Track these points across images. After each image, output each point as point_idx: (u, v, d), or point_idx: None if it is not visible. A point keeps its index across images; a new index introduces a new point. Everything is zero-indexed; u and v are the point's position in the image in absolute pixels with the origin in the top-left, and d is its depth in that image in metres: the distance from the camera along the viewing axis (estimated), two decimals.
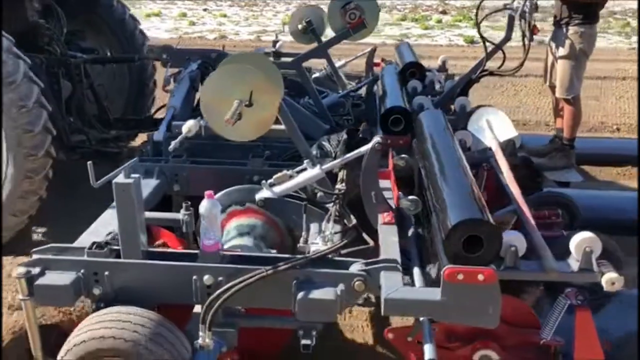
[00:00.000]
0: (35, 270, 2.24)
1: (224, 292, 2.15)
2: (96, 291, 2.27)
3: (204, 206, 2.17)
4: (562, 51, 3.75)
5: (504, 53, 4.01)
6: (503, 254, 2.01)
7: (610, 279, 1.98)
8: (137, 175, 2.20)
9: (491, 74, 4.20)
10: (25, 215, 3.48)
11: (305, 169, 2.62)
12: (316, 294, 2.14)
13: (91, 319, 2.18)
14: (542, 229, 2.61)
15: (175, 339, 2.17)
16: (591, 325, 2.20)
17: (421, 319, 2.24)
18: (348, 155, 2.59)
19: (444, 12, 17.03)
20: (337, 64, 5.15)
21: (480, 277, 1.93)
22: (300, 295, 2.13)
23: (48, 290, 2.21)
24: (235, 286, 2.14)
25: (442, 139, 2.75)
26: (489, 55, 3.99)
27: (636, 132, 6.09)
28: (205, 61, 3.92)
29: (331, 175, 2.79)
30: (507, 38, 3.95)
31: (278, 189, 2.64)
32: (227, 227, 2.90)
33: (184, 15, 16.60)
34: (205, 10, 17.84)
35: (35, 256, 2.30)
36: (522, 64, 3.99)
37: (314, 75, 4.71)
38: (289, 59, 4.17)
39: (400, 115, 3.23)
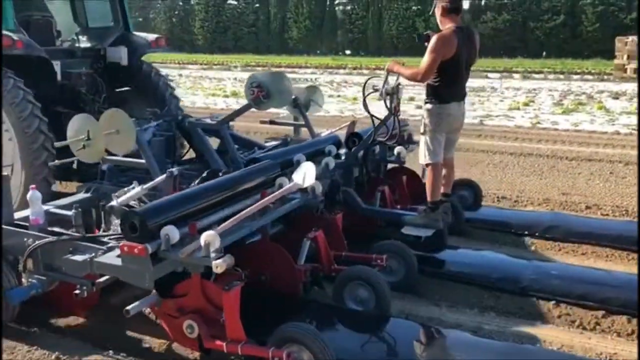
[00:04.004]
0: None
1: (31, 249, 3.45)
2: None
3: (28, 195, 3.54)
4: (421, 124, 4.47)
5: (387, 127, 4.82)
6: (162, 240, 3.00)
7: (216, 264, 2.86)
8: (6, 174, 3.65)
9: (379, 143, 4.99)
10: None
11: (134, 188, 3.88)
12: (76, 257, 3.32)
13: None
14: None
15: (3, 274, 3.51)
16: (235, 307, 3.02)
17: (152, 292, 3.28)
18: (152, 183, 3.77)
19: None
20: (324, 133, 6.31)
21: (136, 250, 2.95)
22: (67, 257, 3.34)
23: None
24: (36, 246, 3.43)
25: (230, 177, 3.80)
26: (376, 129, 4.83)
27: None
28: (167, 120, 5.34)
29: None
30: (389, 115, 4.74)
31: (119, 200, 3.91)
32: None
33: (412, 99, 16.27)
34: None
35: None
36: (395, 136, 4.73)
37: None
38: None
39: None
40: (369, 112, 4.78)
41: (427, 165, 4.46)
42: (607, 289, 4.14)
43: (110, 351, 3.44)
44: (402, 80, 4.57)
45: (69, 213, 3.87)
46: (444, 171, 4.58)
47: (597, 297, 4.04)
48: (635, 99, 16.65)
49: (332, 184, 4.52)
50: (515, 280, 4.29)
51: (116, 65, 6.23)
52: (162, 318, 3.39)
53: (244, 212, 3.34)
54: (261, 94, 4.75)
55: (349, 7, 42.04)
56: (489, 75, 25.42)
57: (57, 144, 3.81)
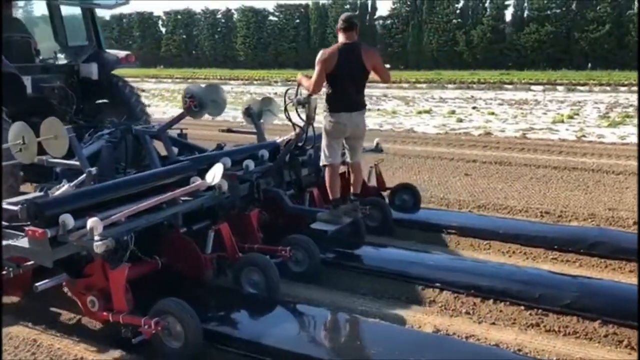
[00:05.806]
0: None
1: None
2: None
3: None
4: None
5: (306, 133, 5.34)
6: (60, 226, 3.57)
7: (96, 245, 3.41)
8: None
9: (300, 148, 5.50)
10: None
11: (63, 185, 4.49)
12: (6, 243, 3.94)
13: None
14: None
15: None
16: (120, 284, 3.58)
17: (63, 274, 3.87)
18: (76, 181, 4.37)
19: None
20: (279, 140, 6.86)
21: (37, 234, 3.53)
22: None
23: None
24: None
25: (139, 176, 4.40)
26: (297, 136, 5.35)
27: None
28: (119, 129, 5.96)
29: None
30: (307, 123, 5.26)
31: (53, 195, 4.52)
32: None
33: (453, 112, 17.09)
34: (474, 108, 18.33)
35: None
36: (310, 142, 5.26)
37: None
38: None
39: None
40: (290, 120, 5.31)
41: (323, 166, 4.97)
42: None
43: None
44: None
45: (16, 208, 4.51)
46: (351, 173, 5.07)
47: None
48: None
49: (251, 184, 5.04)
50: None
51: (88, 79, 6.92)
52: (76, 295, 3.97)
53: (142, 204, 3.91)
54: (193, 104, 5.33)
55: (389, 22, 42.35)
56: (532, 87, 25.02)
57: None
